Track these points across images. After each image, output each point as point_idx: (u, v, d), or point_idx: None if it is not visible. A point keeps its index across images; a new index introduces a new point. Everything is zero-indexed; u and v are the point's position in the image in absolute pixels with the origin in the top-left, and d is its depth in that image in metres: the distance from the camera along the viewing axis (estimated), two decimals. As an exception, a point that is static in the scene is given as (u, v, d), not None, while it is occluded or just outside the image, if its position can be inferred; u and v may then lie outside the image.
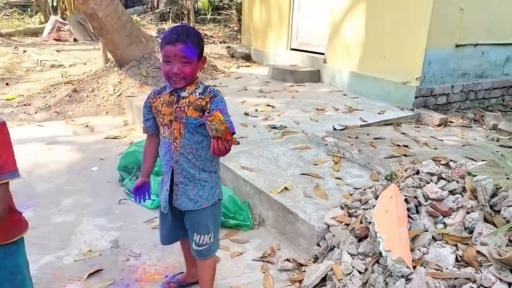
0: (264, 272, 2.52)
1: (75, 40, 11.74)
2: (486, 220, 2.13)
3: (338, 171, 3.30)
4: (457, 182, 2.42)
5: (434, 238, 2.16)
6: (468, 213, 2.20)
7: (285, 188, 3.00)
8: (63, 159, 4.14)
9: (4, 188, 1.47)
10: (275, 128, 4.20)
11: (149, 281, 2.43)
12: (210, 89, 1.80)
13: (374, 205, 2.49)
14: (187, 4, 13.30)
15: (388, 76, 5.17)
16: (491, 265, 1.87)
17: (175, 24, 12.75)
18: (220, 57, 8.49)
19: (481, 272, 1.86)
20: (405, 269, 1.96)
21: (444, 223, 2.24)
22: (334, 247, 2.46)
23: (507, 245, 1.96)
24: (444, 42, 4.83)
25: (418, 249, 2.11)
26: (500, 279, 1.78)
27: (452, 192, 2.36)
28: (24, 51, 9.74)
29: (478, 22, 4.99)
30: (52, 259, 2.61)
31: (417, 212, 2.37)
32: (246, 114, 4.67)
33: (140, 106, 4.84)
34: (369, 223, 2.35)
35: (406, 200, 2.40)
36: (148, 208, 3.21)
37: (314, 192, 2.97)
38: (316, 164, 3.41)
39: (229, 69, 7.52)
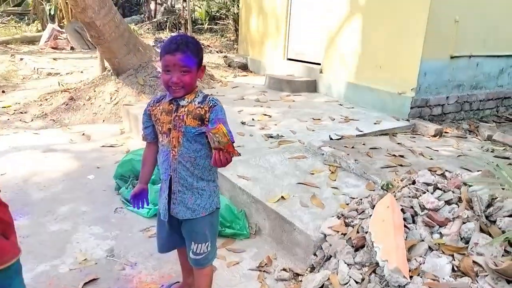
0: (261, 282, 2.51)
1: (72, 48, 11.77)
2: (482, 230, 2.14)
3: (335, 180, 3.31)
4: (453, 192, 2.43)
5: (430, 248, 2.17)
6: (464, 223, 2.21)
7: (282, 197, 3.01)
8: (59, 167, 4.12)
9: None
10: (271, 137, 4.22)
11: (145, 291, 2.42)
12: (209, 98, 1.81)
13: (371, 215, 2.50)
14: (184, 14, 13.38)
15: (384, 86, 5.22)
16: (487, 275, 1.88)
17: (173, 34, 12.84)
18: (217, 67, 8.54)
19: (478, 282, 1.87)
20: (402, 279, 1.96)
21: (440, 233, 2.24)
22: (331, 256, 2.46)
23: (503, 255, 1.97)
24: (439, 54, 4.89)
25: (415, 259, 2.11)
26: (496, 289, 1.79)
27: (448, 202, 2.37)
28: (21, 59, 9.74)
29: (472, 34, 5.07)
30: (47, 268, 2.59)
31: (414, 222, 2.38)
32: (243, 123, 4.68)
33: (137, 114, 4.85)
34: (366, 232, 2.36)
35: (402, 210, 2.42)
36: (144, 217, 3.20)
37: (310, 201, 2.98)
38: (313, 174, 3.42)
39: (226, 78, 7.56)
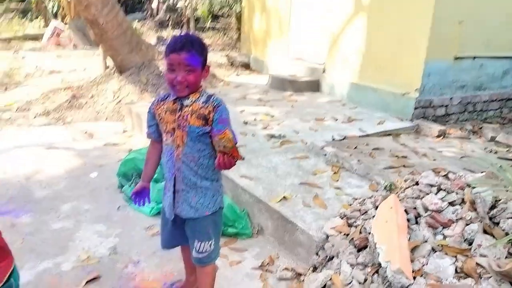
0: (263, 281, 2.51)
1: (74, 46, 11.77)
2: (485, 232, 2.14)
3: (337, 181, 3.30)
4: (457, 193, 2.43)
5: (433, 249, 2.16)
6: (467, 224, 2.21)
7: (284, 197, 3.00)
8: (62, 165, 4.13)
9: None
10: (274, 137, 4.22)
11: (147, 289, 2.42)
12: (213, 97, 1.81)
13: (374, 216, 2.50)
14: (187, 12, 13.38)
15: (387, 87, 5.21)
16: (490, 277, 1.87)
17: (175, 32, 12.82)
18: (220, 65, 8.53)
19: (481, 284, 1.86)
20: (404, 280, 1.96)
21: (444, 234, 2.24)
22: (333, 257, 2.45)
23: (506, 257, 1.97)
24: (443, 54, 4.88)
25: (418, 260, 2.11)
26: (500, 291, 1.79)
27: (451, 204, 2.37)
28: (23, 57, 9.75)
29: (476, 35, 5.05)
30: (50, 266, 2.60)
31: (417, 223, 2.38)
32: (245, 123, 4.68)
33: (140, 113, 4.85)
34: (369, 233, 2.36)
35: (405, 211, 2.41)
36: (147, 215, 3.20)
37: (313, 201, 2.98)
38: (315, 174, 3.41)
39: (228, 77, 7.55)
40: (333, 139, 4.12)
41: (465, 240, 2.15)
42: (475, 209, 2.26)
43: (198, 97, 1.81)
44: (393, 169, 3.38)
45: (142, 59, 6.44)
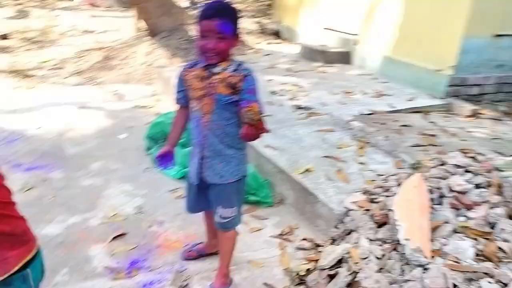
0: (281, 249, 2.57)
1: (108, 6, 11.82)
2: (510, 217, 2.11)
3: (362, 156, 3.29)
4: (484, 176, 2.38)
5: (454, 231, 2.15)
6: (491, 208, 2.18)
7: (307, 169, 3.02)
8: (92, 124, 4.25)
9: None
10: (301, 108, 4.19)
11: (170, 248, 2.52)
12: (243, 67, 1.81)
13: (396, 193, 2.49)
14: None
15: (421, 62, 5.05)
16: (510, 261, 1.86)
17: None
18: (250, 32, 8.42)
19: (500, 268, 1.85)
20: (422, 259, 1.97)
21: (466, 216, 2.22)
22: (352, 231, 2.48)
23: (529, 243, 1.94)
24: (482, 31, 4.67)
25: (438, 240, 2.11)
26: (519, 277, 1.78)
27: (477, 186, 2.33)
28: (58, 15, 9.87)
29: (521, 11, 4.79)
30: (79, 220, 2.73)
31: (440, 203, 2.36)
32: (273, 92, 4.66)
33: (169, 77, 4.89)
34: (390, 210, 2.36)
35: (429, 191, 2.39)
36: (172, 178, 3.29)
37: (336, 175, 2.98)
38: (340, 148, 3.40)
39: (258, 45, 7.47)
40: (361, 114, 4.06)
41: (488, 224, 2.13)
42: (501, 193, 2.22)
43: (228, 66, 1.81)
44: (420, 148, 3.33)
45: (174, 23, 6.43)
